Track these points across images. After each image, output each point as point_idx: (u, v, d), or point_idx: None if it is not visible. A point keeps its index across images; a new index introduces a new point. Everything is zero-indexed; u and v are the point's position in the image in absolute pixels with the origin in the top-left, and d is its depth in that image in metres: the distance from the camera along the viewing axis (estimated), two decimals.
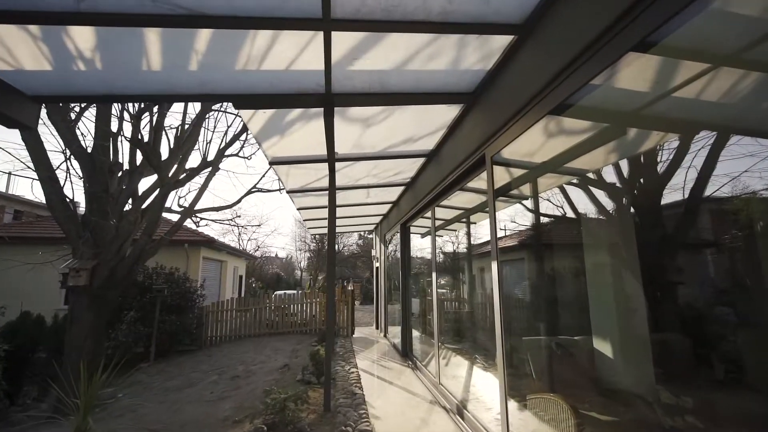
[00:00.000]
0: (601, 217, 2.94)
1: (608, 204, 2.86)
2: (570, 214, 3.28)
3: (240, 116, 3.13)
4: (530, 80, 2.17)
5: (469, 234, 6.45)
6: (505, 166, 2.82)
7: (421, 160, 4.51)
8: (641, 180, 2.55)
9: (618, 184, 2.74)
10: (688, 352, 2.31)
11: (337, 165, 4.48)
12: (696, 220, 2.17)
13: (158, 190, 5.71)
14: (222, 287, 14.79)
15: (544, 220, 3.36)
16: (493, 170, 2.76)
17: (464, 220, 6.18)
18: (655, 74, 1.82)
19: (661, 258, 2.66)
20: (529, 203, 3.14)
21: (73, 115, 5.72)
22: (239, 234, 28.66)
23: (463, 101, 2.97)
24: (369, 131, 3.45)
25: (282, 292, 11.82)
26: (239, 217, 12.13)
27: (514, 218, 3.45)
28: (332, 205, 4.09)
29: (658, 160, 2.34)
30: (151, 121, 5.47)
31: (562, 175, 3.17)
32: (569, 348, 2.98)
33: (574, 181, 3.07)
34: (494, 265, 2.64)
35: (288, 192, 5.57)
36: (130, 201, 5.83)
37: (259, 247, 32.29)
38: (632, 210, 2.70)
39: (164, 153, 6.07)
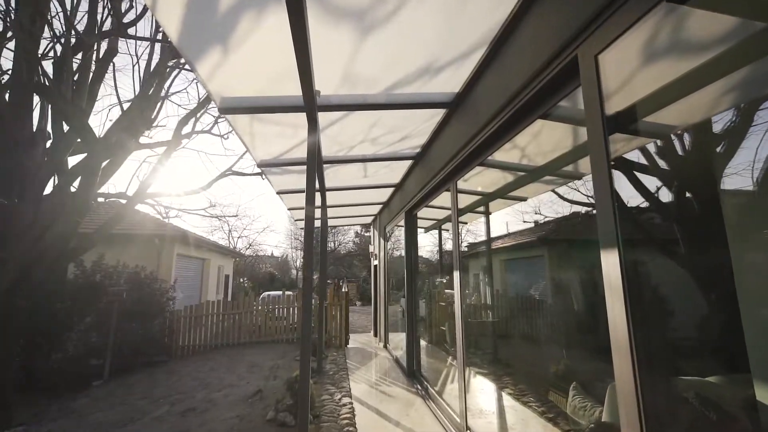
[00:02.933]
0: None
1: None
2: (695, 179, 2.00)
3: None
4: None
5: (487, 223, 5.17)
6: (620, 81, 1.53)
7: (440, 114, 3.22)
8: None
9: None
10: None
11: (322, 121, 3.17)
12: None
13: (86, 161, 4.35)
14: (204, 288, 13.42)
15: (659, 188, 2.09)
16: (600, 79, 1.47)
17: (481, 209, 4.89)
18: None
19: None
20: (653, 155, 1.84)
21: None
22: (229, 231, 27.34)
23: None
24: (366, 44, 2.15)
25: (267, 293, 10.50)
26: (214, 206, 10.75)
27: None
28: (312, 171, 2.78)
29: None
30: (63, 56, 4.04)
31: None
32: (724, 403, 1.71)
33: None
34: (611, 260, 1.36)
35: (260, 167, 4.26)
36: (55, 179, 4.50)
37: (251, 244, 30.95)
38: None
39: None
